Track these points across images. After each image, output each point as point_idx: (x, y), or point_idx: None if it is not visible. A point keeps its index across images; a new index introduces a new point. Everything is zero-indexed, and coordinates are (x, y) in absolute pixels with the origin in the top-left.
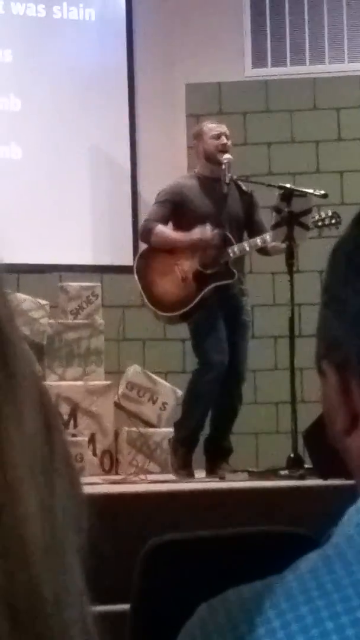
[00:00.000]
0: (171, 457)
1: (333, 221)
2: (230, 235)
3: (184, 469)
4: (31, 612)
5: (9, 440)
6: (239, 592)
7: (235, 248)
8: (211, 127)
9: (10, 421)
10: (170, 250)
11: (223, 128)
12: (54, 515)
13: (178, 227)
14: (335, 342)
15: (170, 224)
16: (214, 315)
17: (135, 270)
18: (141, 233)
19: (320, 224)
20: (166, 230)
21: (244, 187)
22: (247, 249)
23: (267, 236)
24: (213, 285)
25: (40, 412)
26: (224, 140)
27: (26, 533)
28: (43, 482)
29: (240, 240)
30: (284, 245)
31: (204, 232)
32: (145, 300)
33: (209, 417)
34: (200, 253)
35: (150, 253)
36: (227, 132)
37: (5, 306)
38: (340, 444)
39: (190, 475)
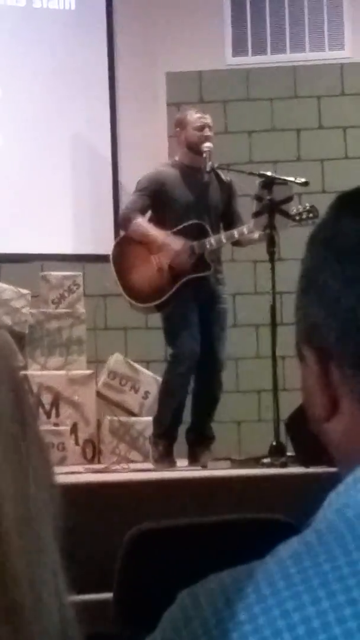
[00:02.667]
0: (152, 450)
1: (310, 215)
2: (207, 227)
3: (165, 461)
4: (2, 587)
5: None
6: (220, 578)
7: (212, 240)
8: (195, 117)
9: None
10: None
11: (207, 119)
12: (27, 498)
13: (158, 215)
14: (314, 327)
15: (150, 212)
16: (187, 306)
17: (111, 259)
18: (120, 222)
19: (298, 218)
20: (144, 224)
21: (223, 177)
22: (224, 241)
23: (244, 228)
24: (188, 277)
25: (15, 402)
26: (207, 132)
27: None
28: (17, 467)
29: (218, 230)
30: (257, 237)
31: (178, 243)
32: (121, 289)
33: (189, 406)
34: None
35: (127, 242)
36: (211, 123)
37: None
38: (320, 429)
39: (171, 465)
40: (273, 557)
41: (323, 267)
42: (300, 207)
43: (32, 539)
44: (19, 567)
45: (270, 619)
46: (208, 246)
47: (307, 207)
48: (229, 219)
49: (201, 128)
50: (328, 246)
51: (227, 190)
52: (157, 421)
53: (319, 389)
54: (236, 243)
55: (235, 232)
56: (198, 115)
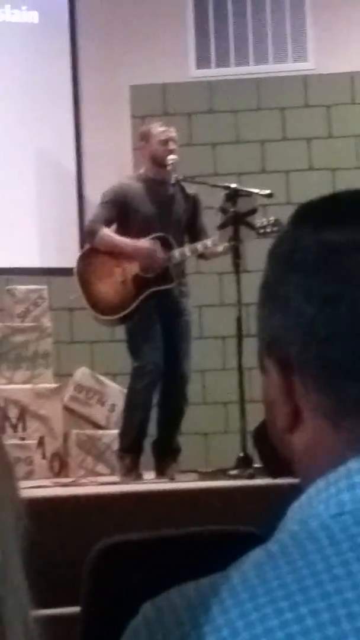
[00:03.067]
0: (118, 464)
1: (275, 228)
2: (171, 240)
3: (132, 475)
4: None
5: None
6: (183, 590)
7: (176, 253)
8: (160, 130)
9: None
10: (111, 252)
11: (171, 132)
12: None
13: (122, 228)
14: (276, 339)
15: (115, 226)
16: (151, 320)
17: (75, 272)
18: (85, 234)
19: (262, 231)
20: (111, 234)
21: (187, 190)
22: (188, 254)
23: (209, 241)
24: (152, 289)
25: None
26: (171, 145)
27: None
28: None
29: (181, 242)
30: (220, 250)
31: (151, 246)
32: (85, 302)
33: (155, 419)
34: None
35: (91, 255)
36: (175, 137)
37: None
38: (281, 441)
39: (138, 478)
40: (236, 569)
41: (284, 280)
42: (264, 220)
43: None
44: None
45: (233, 631)
46: (172, 259)
47: (272, 221)
48: (194, 232)
49: (165, 142)
50: (288, 259)
51: (192, 203)
52: (122, 435)
53: (281, 401)
54: (201, 256)
55: (200, 246)
56: (162, 128)
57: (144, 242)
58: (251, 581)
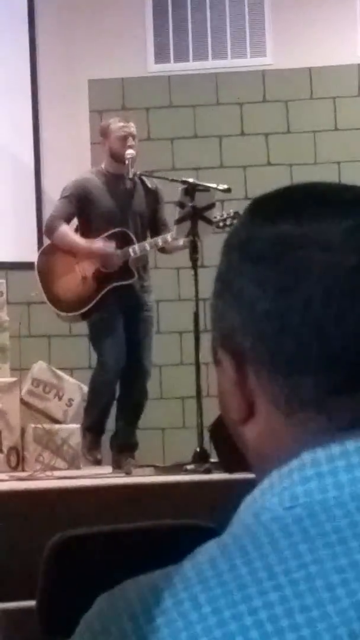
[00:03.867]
0: (82, 441)
1: (234, 221)
2: (131, 234)
3: (92, 452)
4: None
5: None
6: (137, 583)
7: (136, 247)
8: (119, 126)
9: None
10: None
11: (131, 128)
12: None
13: (83, 222)
14: (230, 331)
15: (76, 220)
16: (112, 315)
17: (36, 267)
18: (45, 229)
19: (221, 224)
20: (69, 233)
21: (148, 184)
22: (148, 248)
23: (168, 236)
24: (113, 285)
25: None
26: (130, 141)
27: None
28: None
29: (144, 237)
30: (181, 244)
31: (105, 246)
32: (45, 298)
33: (114, 412)
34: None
35: (52, 250)
36: (134, 132)
37: None
38: (235, 433)
39: (96, 461)
40: (190, 561)
41: (238, 272)
42: (224, 213)
43: None
44: None
45: (187, 623)
46: (132, 254)
47: (231, 214)
48: (155, 226)
49: (124, 138)
50: (243, 251)
51: (153, 196)
52: (86, 412)
53: (235, 393)
54: (162, 250)
55: (159, 240)
56: (121, 124)
57: (99, 243)
58: (205, 573)
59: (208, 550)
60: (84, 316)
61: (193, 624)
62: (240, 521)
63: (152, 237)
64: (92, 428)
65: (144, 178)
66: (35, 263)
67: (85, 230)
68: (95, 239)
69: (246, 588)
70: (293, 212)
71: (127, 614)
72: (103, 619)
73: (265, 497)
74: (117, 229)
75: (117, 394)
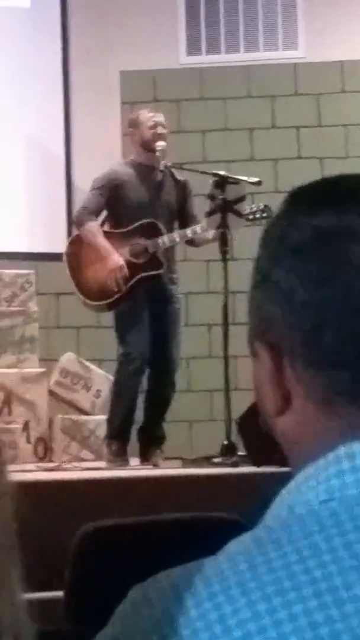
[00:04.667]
0: (105, 451)
1: (264, 214)
2: (160, 225)
3: (118, 461)
4: None
5: None
6: (170, 575)
7: (165, 238)
8: (148, 116)
9: None
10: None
11: (160, 117)
12: None
13: (112, 214)
14: (267, 323)
15: (105, 211)
16: (139, 306)
17: (64, 257)
18: (75, 221)
19: (251, 217)
20: (95, 232)
21: (177, 176)
22: (177, 239)
23: (198, 227)
24: (141, 275)
25: None
26: (160, 130)
27: None
28: None
29: (171, 228)
30: (210, 236)
31: (115, 261)
32: (74, 287)
33: (141, 406)
34: (129, 243)
35: (80, 240)
36: (164, 122)
37: None
38: (271, 425)
39: (124, 464)
40: (224, 554)
41: (277, 263)
42: (254, 206)
43: None
44: None
45: (221, 616)
46: (161, 245)
47: (261, 207)
48: (183, 218)
49: (154, 126)
50: (282, 242)
51: (182, 189)
52: (109, 422)
53: (272, 385)
54: (190, 242)
55: (189, 231)
56: (150, 114)
57: (115, 258)
58: (239, 566)
59: (242, 543)
60: (110, 306)
61: (226, 617)
62: (275, 514)
63: (180, 229)
64: (117, 435)
65: (173, 170)
66: (64, 252)
67: (115, 221)
68: (117, 249)
69: (280, 581)
70: (332, 203)
71: (160, 605)
72: (136, 611)
73: (301, 489)
74: (146, 220)
75: (145, 387)
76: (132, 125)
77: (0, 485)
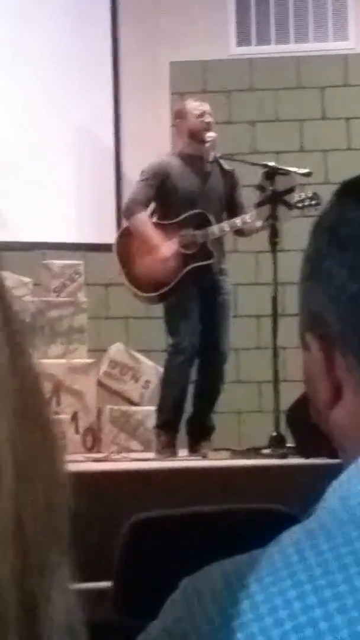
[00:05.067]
0: (155, 440)
1: (313, 202)
2: (210, 216)
3: (167, 452)
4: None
5: None
6: (222, 566)
7: (215, 229)
8: (194, 105)
9: None
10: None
11: (205, 106)
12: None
13: (161, 205)
14: (318, 314)
15: (154, 202)
16: (189, 297)
17: (115, 248)
18: (124, 211)
19: (300, 205)
20: (144, 223)
21: (225, 166)
22: (227, 229)
23: (247, 216)
24: (192, 266)
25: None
26: (207, 118)
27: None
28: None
29: (220, 219)
30: (258, 225)
31: (167, 250)
32: (125, 279)
33: (190, 397)
34: (178, 234)
35: (130, 232)
36: (210, 110)
37: None
38: (323, 417)
39: (173, 455)
40: (275, 546)
41: (327, 254)
42: (302, 194)
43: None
44: (32, 554)
45: (272, 608)
46: (211, 235)
47: (310, 194)
48: (231, 209)
49: (201, 115)
50: (332, 233)
51: (230, 180)
52: (159, 412)
53: (322, 376)
54: (239, 232)
55: (238, 221)
56: (197, 103)
57: (165, 250)
58: (290, 558)
59: (294, 534)
60: (162, 297)
61: (278, 609)
62: (326, 506)
63: (228, 219)
64: (166, 426)
65: (221, 161)
66: (115, 242)
67: (164, 212)
68: (166, 240)
69: (332, 574)
70: None
71: (212, 597)
72: (188, 602)
73: (352, 481)
74: (195, 211)
75: (194, 378)
76: (178, 116)
77: (57, 476)
